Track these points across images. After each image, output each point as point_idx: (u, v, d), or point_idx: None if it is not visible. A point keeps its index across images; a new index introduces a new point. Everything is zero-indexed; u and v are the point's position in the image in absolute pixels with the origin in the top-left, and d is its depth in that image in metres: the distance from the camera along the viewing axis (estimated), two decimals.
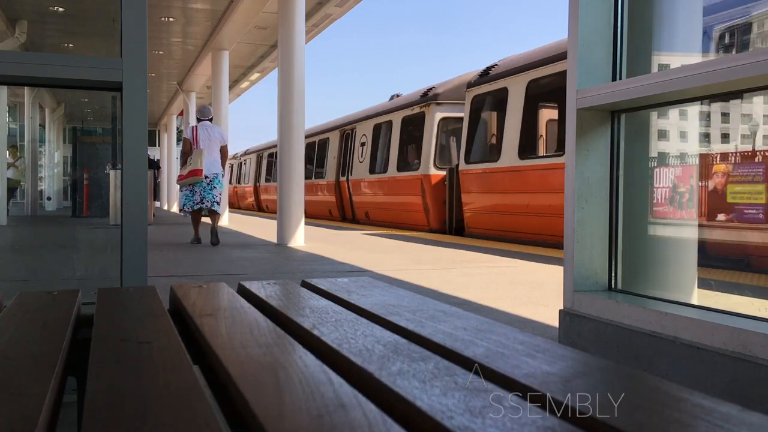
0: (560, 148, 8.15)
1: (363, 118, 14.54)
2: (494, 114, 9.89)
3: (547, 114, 9.01)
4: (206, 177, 7.82)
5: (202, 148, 7.81)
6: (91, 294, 1.36)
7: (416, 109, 11.93)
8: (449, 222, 11.04)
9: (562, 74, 8.04)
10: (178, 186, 8.17)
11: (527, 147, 8.86)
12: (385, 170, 12.92)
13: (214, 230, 8.02)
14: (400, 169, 12.31)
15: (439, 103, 11.31)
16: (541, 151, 8.87)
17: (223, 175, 8.10)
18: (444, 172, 11.06)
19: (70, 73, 1.86)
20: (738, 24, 5.34)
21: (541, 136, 9.01)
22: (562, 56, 8.12)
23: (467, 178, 10.07)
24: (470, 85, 10.39)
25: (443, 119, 11.28)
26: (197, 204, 7.89)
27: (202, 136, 7.86)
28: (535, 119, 8.99)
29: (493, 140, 9.77)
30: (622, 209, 2.34)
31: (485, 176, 9.59)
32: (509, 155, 9.03)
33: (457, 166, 10.48)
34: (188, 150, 7.91)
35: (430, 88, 11.79)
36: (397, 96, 14.09)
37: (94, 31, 13.31)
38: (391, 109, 13.16)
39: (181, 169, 8.01)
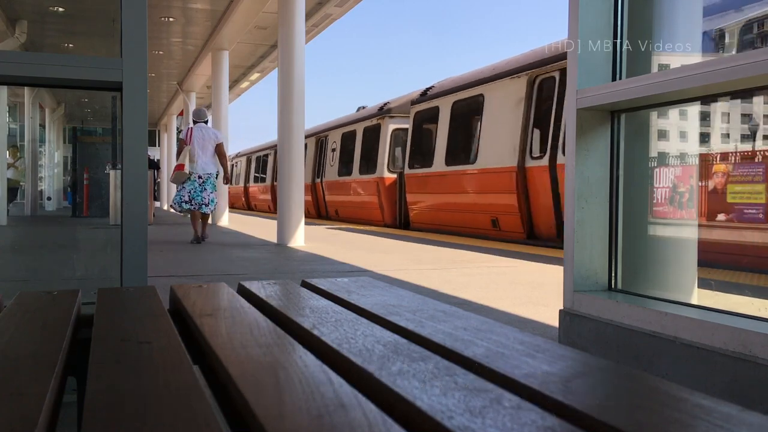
0: (475, 157, 9.87)
1: (333, 127, 16.17)
2: (429, 128, 11.60)
3: (467, 129, 10.61)
4: (199, 177, 8.02)
5: (196, 146, 8.02)
6: (91, 294, 1.36)
7: (374, 121, 13.70)
8: (399, 218, 12.86)
9: (476, 97, 10.02)
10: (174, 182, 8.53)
11: (450, 156, 10.60)
12: (349, 173, 14.59)
13: (204, 228, 8.37)
14: (361, 172, 14.00)
15: (392, 116, 13.12)
16: (460, 160, 10.42)
17: (218, 175, 8.29)
18: (395, 176, 12.86)
19: (70, 73, 1.86)
20: (738, 24, 5.34)
21: (461, 147, 10.63)
22: (478, 82, 9.99)
23: (410, 181, 11.87)
24: (413, 102, 12.13)
25: (395, 130, 13.06)
26: (186, 203, 8.03)
27: (196, 136, 8.08)
28: (457, 133, 10.70)
29: (428, 149, 11.49)
30: (622, 209, 2.34)
31: (422, 179, 11.40)
32: (439, 162, 10.83)
33: (403, 170, 12.37)
34: (181, 149, 8.23)
35: (386, 104, 13.71)
36: (363, 108, 16.03)
37: (94, 31, 13.31)
38: (355, 120, 14.87)
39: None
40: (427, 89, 11.76)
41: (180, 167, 7.98)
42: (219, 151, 8.13)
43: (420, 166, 11.54)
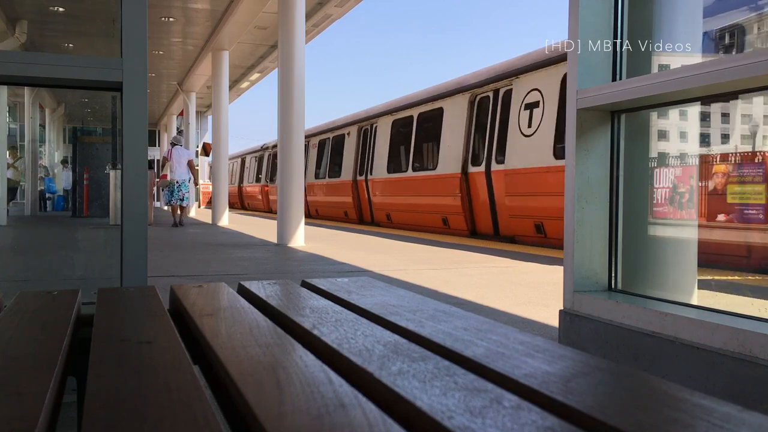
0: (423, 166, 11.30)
1: (314, 134, 17.22)
2: (386, 139, 12.94)
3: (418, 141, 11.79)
4: (177, 182, 12.31)
5: (175, 162, 12.30)
6: (91, 294, 1.36)
7: (345, 130, 15.01)
8: (370, 216, 14.15)
9: (409, 117, 11.75)
10: (157, 186, 13.71)
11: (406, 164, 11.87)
12: (325, 176, 15.88)
13: (182, 216, 12.62)
14: (336, 175, 15.20)
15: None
16: (403, 168, 11.96)
17: (190, 180, 12.52)
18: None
19: (70, 73, 1.86)
20: (738, 24, 5.34)
21: (402, 156, 12.09)
22: (414, 103, 11.62)
23: (371, 185, 13.29)
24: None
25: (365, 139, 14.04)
26: (177, 200, 12.43)
27: (175, 155, 12.35)
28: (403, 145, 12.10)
29: (382, 158, 12.88)
30: (622, 209, 2.34)
31: (380, 184, 12.93)
32: (388, 169, 12.29)
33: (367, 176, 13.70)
34: (164, 164, 12.82)
35: (356, 115, 14.91)
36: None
37: (94, 31, 13.31)
38: (329, 128, 16.21)
39: (159, 174, 13.24)
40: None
41: (164, 176, 12.63)
42: (190, 164, 12.47)
43: (378, 172, 13.14)
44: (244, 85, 20.43)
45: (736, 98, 5.25)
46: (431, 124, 11.06)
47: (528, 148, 8.18)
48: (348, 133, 14.66)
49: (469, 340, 0.88)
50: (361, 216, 14.18)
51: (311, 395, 0.64)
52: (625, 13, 2.33)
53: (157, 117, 27.72)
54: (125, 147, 1.86)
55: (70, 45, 14.53)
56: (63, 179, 20.62)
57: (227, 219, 14.09)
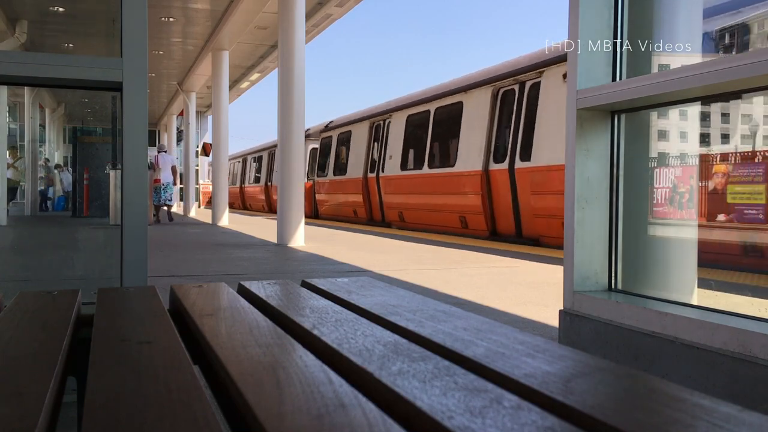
0: (344, 170, 15.55)
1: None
2: (329, 150, 17.04)
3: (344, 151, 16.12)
4: (163, 184, 13.92)
5: (161, 167, 13.90)
6: (91, 294, 1.36)
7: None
8: (314, 211, 18.31)
9: (348, 132, 15.68)
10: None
11: (336, 169, 16.29)
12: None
13: (169, 214, 14.48)
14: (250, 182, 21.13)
15: (309, 138, 17.73)
16: (337, 172, 16.00)
17: (174, 184, 14.30)
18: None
19: (70, 73, 1.86)
20: (738, 24, 5.34)
21: (342, 163, 15.97)
22: (348, 122, 15.82)
23: (317, 186, 17.43)
24: (321, 131, 17.48)
25: (313, 149, 18.06)
26: (162, 201, 14.05)
27: (161, 161, 13.97)
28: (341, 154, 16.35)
29: (325, 164, 17.16)
30: (622, 209, 2.34)
31: (322, 185, 16.97)
32: (330, 173, 16.36)
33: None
34: (154, 169, 14.01)
35: (307, 130, 18.29)
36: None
37: (94, 31, 13.31)
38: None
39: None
40: (330, 122, 17.10)
41: (157, 180, 13.78)
42: (174, 169, 14.25)
43: (321, 175, 17.32)
44: (244, 85, 20.44)
45: (736, 98, 5.24)
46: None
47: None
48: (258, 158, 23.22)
49: (469, 340, 0.88)
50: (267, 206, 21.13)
51: (311, 395, 0.64)
52: (625, 13, 2.33)
53: (157, 117, 27.71)
54: (125, 147, 1.86)
55: (70, 45, 14.54)
56: (61, 181, 20.61)
57: (227, 219, 14.10)
